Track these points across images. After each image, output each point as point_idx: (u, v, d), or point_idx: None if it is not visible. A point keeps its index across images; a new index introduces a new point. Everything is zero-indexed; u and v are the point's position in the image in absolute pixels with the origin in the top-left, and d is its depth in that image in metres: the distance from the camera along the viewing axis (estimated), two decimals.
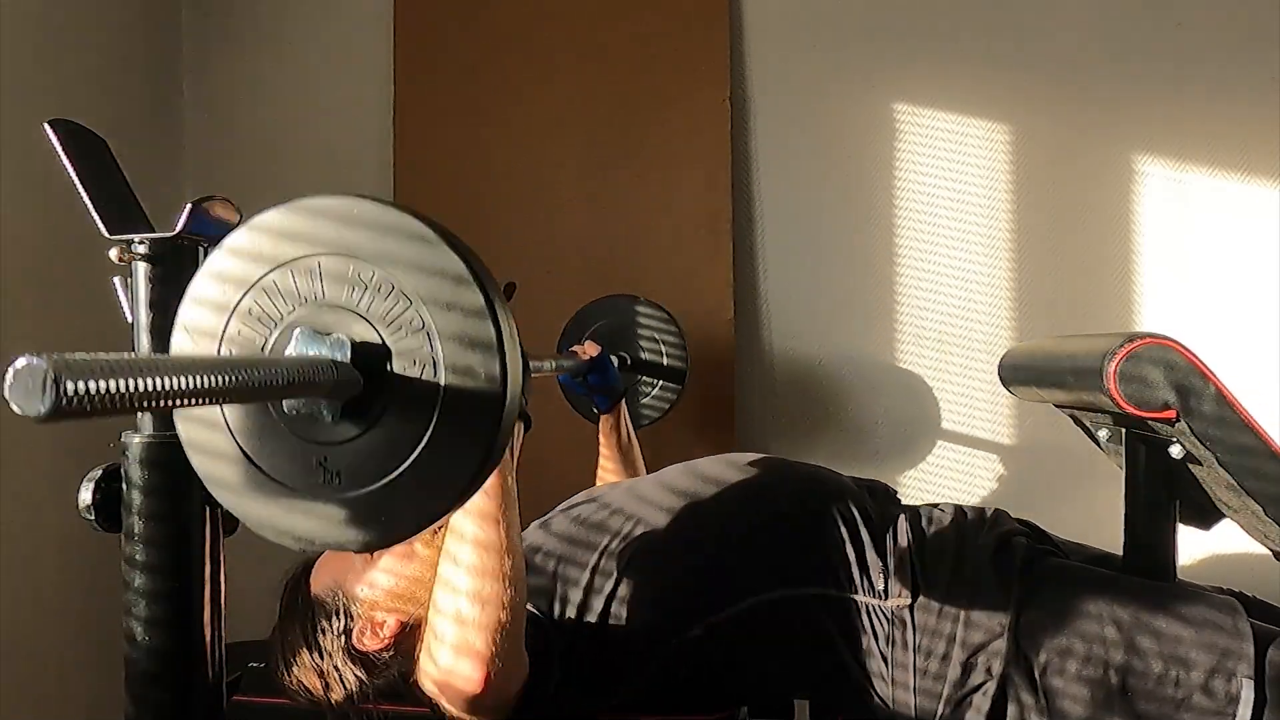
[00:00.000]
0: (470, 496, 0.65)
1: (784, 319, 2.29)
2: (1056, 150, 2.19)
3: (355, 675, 1.30)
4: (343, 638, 1.31)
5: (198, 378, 0.53)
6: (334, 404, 0.63)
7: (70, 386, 0.47)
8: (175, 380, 0.52)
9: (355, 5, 2.45)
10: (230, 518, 0.85)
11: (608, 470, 1.82)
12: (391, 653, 1.31)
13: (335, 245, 0.64)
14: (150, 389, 0.51)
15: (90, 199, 0.80)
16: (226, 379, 0.55)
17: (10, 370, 0.47)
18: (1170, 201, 2.15)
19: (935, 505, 1.37)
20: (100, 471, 0.80)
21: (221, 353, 0.67)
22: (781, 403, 2.29)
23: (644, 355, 2.07)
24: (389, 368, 0.63)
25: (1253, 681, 1.11)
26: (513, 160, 2.32)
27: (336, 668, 1.30)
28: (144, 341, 0.81)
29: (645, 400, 2.07)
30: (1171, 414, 1.18)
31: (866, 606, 1.23)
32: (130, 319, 0.82)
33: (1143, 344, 1.19)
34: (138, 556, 0.79)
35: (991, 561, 1.24)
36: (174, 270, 0.81)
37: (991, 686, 1.17)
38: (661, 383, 2.07)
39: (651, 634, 1.27)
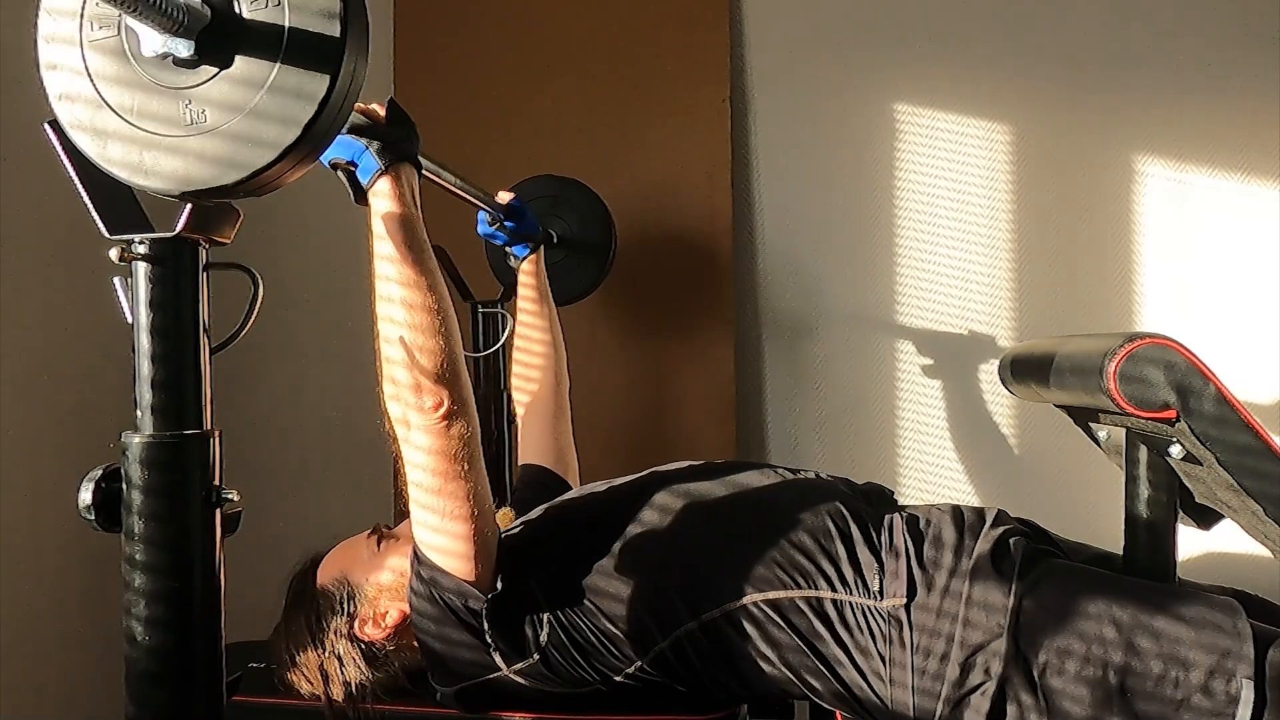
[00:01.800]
0: (332, 116, 0.74)
1: (784, 319, 2.29)
2: (1056, 150, 2.19)
3: (356, 666, 1.32)
4: (346, 626, 1.34)
5: None
6: (189, 41, 0.73)
7: None
8: None
9: None
10: (231, 519, 0.85)
11: (527, 324, 1.82)
12: (393, 646, 1.32)
13: None
14: None
15: (90, 199, 0.80)
16: None
17: None
18: (1170, 202, 2.15)
19: (933, 506, 1.37)
20: (100, 471, 0.80)
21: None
22: (781, 402, 2.29)
23: (570, 231, 2.07)
24: (236, 8, 0.74)
25: (1252, 682, 1.11)
26: (512, 160, 2.31)
27: (338, 657, 1.33)
28: (144, 341, 0.81)
29: (575, 273, 2.07)
30: (1171, 414, 1.18)
31: (862, 608, 1.23)
32: (130, 319, 0.82)
33: (1143, 344, 1.19)
34: (138, 556, 0.79)
35: (990, 561, 1.24)
36: (174, 270, 0.81)
37: (991, 687, 1.16)
38: (588, 257, 2.09)
39: (646, 626, 1.27)
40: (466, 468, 1.20)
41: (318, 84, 0.73)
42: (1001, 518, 1.33)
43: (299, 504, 2.31)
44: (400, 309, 1.16)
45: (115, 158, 0.76)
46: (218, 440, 0.84)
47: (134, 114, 0.75)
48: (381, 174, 1.16)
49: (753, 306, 2.29)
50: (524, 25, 2.34)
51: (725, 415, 2.23)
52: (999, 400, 2.19)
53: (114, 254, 0.80)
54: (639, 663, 1.29)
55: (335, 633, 1.34)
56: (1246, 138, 2.11)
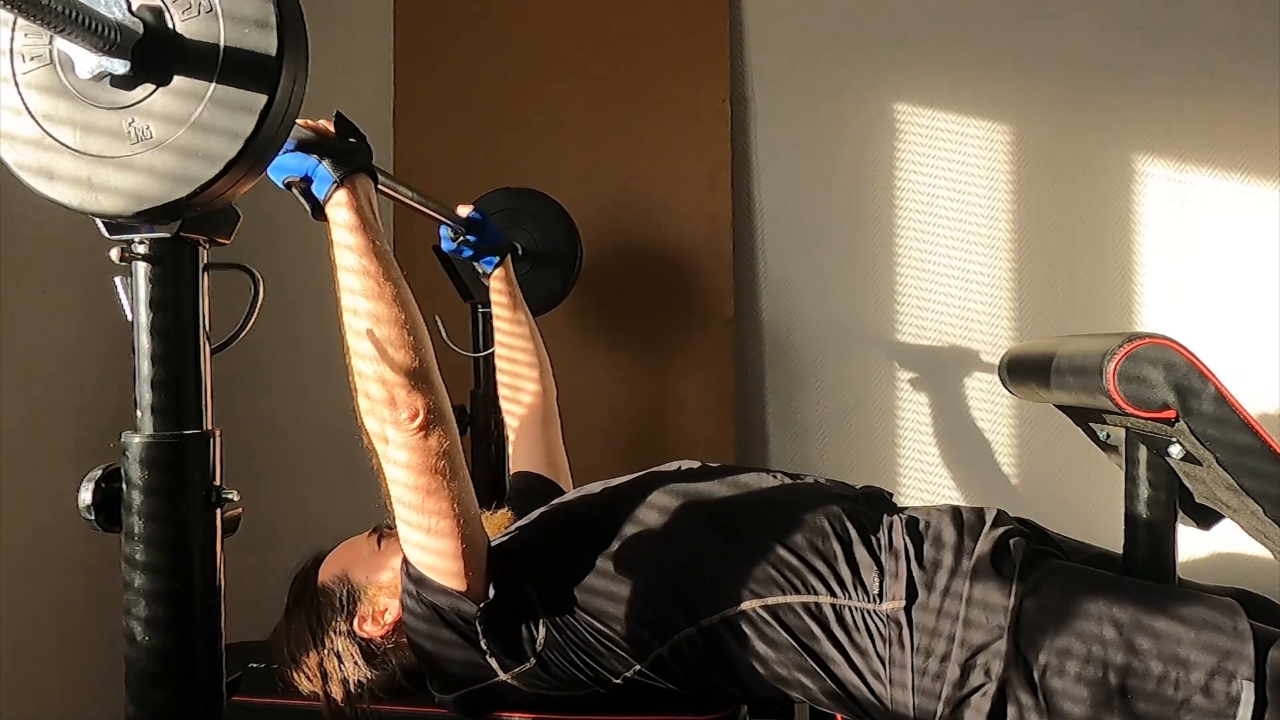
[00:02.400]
0: (275, 125, 0.74)
1: (784, 319, 2.29)
2: (1057, 151, 2.19)
3: (355, 664, 1.32)
4: (346, 624, 1.35)
5: None
6: (124, 59, 0.72)
7: None
8: None
9: (355, 5, 2.45)
10: (230, 521, 0.85)
11: (506, 335, 1.80)
12: (392, 644, 1.32)
13: None
14: None
15: None
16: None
17: None
18: (1170, 202, 2.15)
19: (933, 507, 1.37)
20: (100, 471, 0.80)
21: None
22: (781, 402, 2.29)
23: (533, 242, 2.04)
24: (170, 24, 0.73)
25: (1253, 684, 1.11)
26: (513, 160, 2.31)
27: (337, 653, 1.33)
28: (144, 341, 0.81)
29: (544, 282, 2.04)
30: (1171, 414, 1.18)
31: (862, 611, 1.23)
32: (130, 318, 0.82)
33: (1142, 344, 1.19)
34: (138, 556, 0.79)
35: (990, 562, 1.23)
36: (174, 270, 0.81)
37: (991, 688, 1.16)
38: (554, 264, 2.06)
39: (644, 631, 1.27)
40: (448, 477, 1.19)
41: (260, 85, 0.73)
42: (1001, 518, 1.33)
43: (299, 504, 2.31)
44: (367, 321, 1.14)
45: (63, 179, 0.75)
46: (218, 440, 0.84)
47: (77, 139, 0.75)
48: (337, 186, 1.15)
49: (753, 307, 2.29)
50: (524, 26, 2.34)
51: (725, 416, 2.23)
52: (999, 401, 2.19)
53: (114, 254, 0.80)
54: (637, 666, 1.29)
55: (335, 630, 1.34)
56: (1246, 138, 2.11)
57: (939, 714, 1.19)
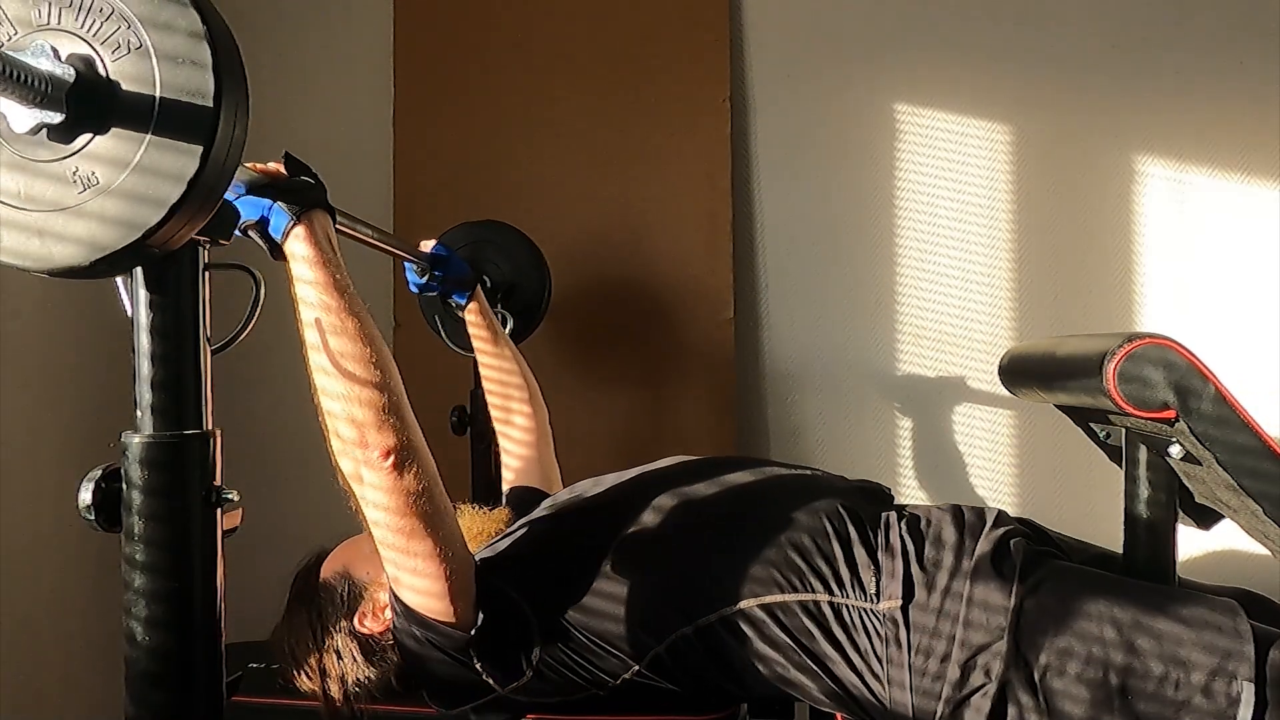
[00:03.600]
0: (218, 164, 0.72)
1: (784, 319, 2.29)
2: (1057, 150, 2.19)
3: (354, 661, 1.32)
4: (347, 620, 1.34)
5: None
6: (58, 109, 0.71)
7: None
8: None
9: (355, 5, 2.45)
10: (230, 520, 0.85)
11: (491, 366, 1.78)
12: (390, 640, 1.32)
13: None
14: None
15: None
16: None
17: None
18: (1170, 202, 2.15)
19: (934, 506, 1.37)
20: (100, 471, 0.80)
21: None
22: (781, 402, 2.29)
23: (500, 272, 2.01)
24: (103, 72, 0.72)
25: (1253, 684, 1.11)
26: (512, 160, 2.32)
27: (337, 650, 1.33)
28: (144, 341, 0.81)
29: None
30: (1171, 414, 1.18)
31: (859, 610, 1.23)
32: (130, 318, 0.82)
33: (1142, 344, 1.19)
34: (138, 556, 0.79)
35: (991, 562, 1.23)
36: (174, 270, 0.82)
37: (991, 688, 1.16)
38: (525, 289, 2.04)
39: (641, 631, 1.27)
40: (429, 511, 1.17)
41: (198, 135, 0.71)
42: (1002, 518, 1.33)
43: (299, 504, 2.31)
44: (333, 360, 1.12)
45: (13, 238, 0.73)
46: (218, 440, 0.84)
47: (23, 194, 0.73)
48: (294, 223, 1.13)
49: (753, 307, 2.29)
50: (524, 26, 2.34)
51: (725, 414, 2.24)
52: (999, 400, 2.19)
53: None
54: (635, 667, 1.29)
55: (335, 628, 1.34)
56: (1246, 138, 2.11)
57: (939, 714, 1.19)
